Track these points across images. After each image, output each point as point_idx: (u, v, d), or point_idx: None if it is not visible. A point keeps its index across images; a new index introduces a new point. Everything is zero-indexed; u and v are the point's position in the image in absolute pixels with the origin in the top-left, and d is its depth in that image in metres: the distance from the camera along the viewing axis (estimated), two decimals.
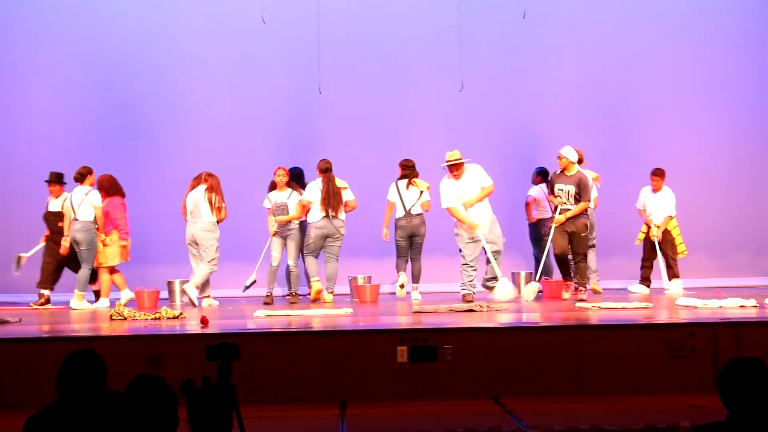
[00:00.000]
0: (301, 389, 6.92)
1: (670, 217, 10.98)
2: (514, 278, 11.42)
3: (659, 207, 11.01)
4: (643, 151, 12.44)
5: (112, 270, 10.39)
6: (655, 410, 6.24)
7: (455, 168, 10.03)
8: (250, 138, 12.40)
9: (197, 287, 10.25)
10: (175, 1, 12.65)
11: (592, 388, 6.93)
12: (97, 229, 10.27)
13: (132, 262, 10.97)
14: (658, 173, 11.09)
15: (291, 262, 10.47)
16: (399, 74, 12.49)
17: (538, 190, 11.21)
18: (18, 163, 12.05)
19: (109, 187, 10.40)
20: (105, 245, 10.27)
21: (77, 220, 10.20)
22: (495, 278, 9.97)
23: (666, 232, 10.92)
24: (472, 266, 10.02)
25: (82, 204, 10.23)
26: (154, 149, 12.37)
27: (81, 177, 10.36)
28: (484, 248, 9.97)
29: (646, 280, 11.01)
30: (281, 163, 10.91)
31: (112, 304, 9.82)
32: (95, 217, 10.24)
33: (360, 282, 11.01)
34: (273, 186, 10.65)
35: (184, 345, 6.96)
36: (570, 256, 10.06)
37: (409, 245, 10.53)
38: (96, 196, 10.28)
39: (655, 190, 11.08)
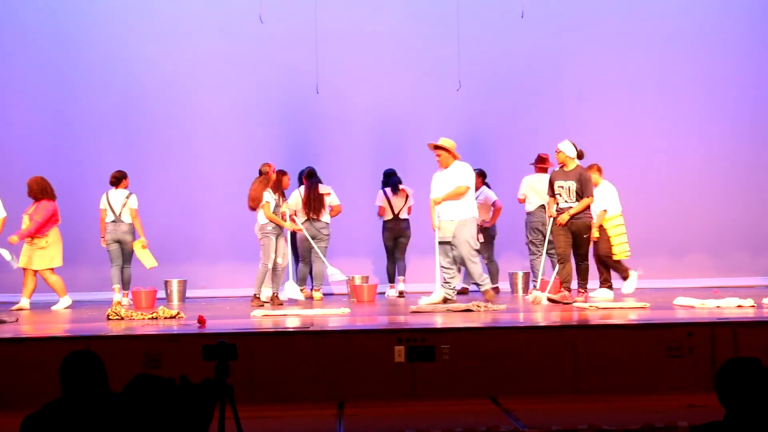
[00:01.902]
0: (298, 389, 6.91)
1: (603, 211, 10.16)
2: (512, 279, 11.44)
3: (598, 203, 10.11)
4: (642, 151, 12.46)
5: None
6: (653, 410, 6.24)
7: (437, 155, 9.66)
8: (248, 137, 12.39)
9: (258, 295, 10.37)
10: (173, 1, 12.64)
11: (589, 387, 6.92)
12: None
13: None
14: (591, 168, 10.28)
15: (280, 260, 10.28)
16: (396, 74, 12.49)
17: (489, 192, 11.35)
18: (18, 163, 12.03)
19: (38, 191, 10.11)
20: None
21: (122, 222, 10.49)
22: (448, 283, 9.62)
23: (601, 230, 10.22)
24: (443, 266, 9.64)
25: (125, 207, 10.50)
26: (150, 149, 12.37)
27: (117, 181, 10.63)
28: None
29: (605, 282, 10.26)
30: (279, 162, 10.86)
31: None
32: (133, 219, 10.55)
33: (357, 282, 11.02)
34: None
35: (182, 345, 6.95)
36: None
37: (395, 246, 11.18)
38: (134, 199, 10.57)
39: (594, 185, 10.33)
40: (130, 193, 10.61)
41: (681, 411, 6.16)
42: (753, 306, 8.49)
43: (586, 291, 9.60)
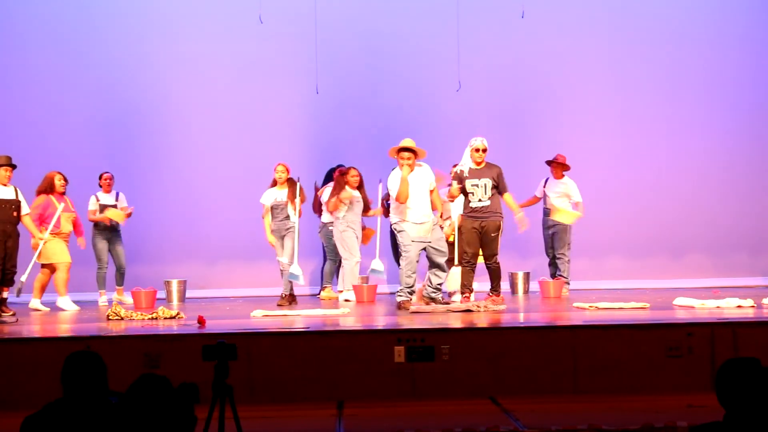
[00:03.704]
0: (298, 389, 6.91)
1: (461, 215, 9.60)
2: (512, 279, 11.43)
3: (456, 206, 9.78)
4: (641, 151, 12.47)
5: (52, 269, 10.00)
6: (653, 410, 6.24)
7: (410, 157, 9.09)
8: (248, 138, 12.40)
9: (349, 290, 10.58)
10: (173, 1, 12.65)
11: (589, 388, 6.92)
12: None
13: (130, 261, 10.97)
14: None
15: (285, 260, 10.16)
16: (396, 74, 12.50)
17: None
18: (19, 166, 12.02)
19: (47, 186, 10.06)
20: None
21: None
22: (439, 289, 9.21)
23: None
24: (411, 269, 9.17)
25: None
26: (151, 149, 12.38)
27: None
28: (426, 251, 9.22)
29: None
30: (278, 161, 10.81)
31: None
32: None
33: (357, 282, 11.01)
34: (274, 183, 10.41)
35: (182, 345, 6.95)
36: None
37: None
38: (90, 200, 10.81)
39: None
40: (93, 195, 10.88)
41: (681, 411, 6.16)
42: (753, 306, 8.50)
43: (498, 293, 9.32)
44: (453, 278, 9.45)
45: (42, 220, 9.91)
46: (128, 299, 10.66)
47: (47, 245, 9.88)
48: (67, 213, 10.07)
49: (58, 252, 9.93)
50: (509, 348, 7.03)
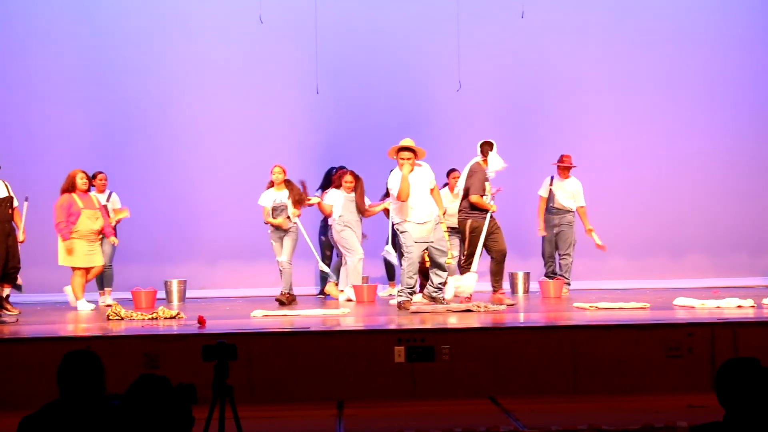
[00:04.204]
0: (298, 389, 6.92)
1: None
2: (512, 279, 11.42)
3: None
4: (641, 151, 12.47)
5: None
6: (653, 410, 6.24)
7: (410, 157, 9.08)
8: (247, 137, 12.40)
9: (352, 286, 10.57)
10: (173, 1, 12.64)
11: (589, 388, 6.93)
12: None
13: (129, 262, 10.95)
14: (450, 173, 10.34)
15: (284, 259, 10.18)
16: (397, 74, 12.50)
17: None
18: (18, 165, 12.03)
19: (69, 185, 9.92)
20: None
21: None
22: (440, 288, 9.23)
23: None
24: (413, 270, 9.23)
25: None
26: (151, 149, 12.37)
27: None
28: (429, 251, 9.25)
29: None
30: (279, 162, 10.83)
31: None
32: None
33: (361, 278, 11.01)
34: (271, 184, 10.45)
35: (182, 345, 6.95)
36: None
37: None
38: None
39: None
40: None
41: (681, 411, 6.17)
42: (753, 306, 8.50)
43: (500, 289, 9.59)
44: (453, 285, 9.35)
45: (67, 220, 9.77)
46: (110, 301, 10.51)
47: (69, 246, 9.80)
48: (90, 211, 9.88)
49: (77, 254, 9.77)
50: (509, 348, 7.03)
